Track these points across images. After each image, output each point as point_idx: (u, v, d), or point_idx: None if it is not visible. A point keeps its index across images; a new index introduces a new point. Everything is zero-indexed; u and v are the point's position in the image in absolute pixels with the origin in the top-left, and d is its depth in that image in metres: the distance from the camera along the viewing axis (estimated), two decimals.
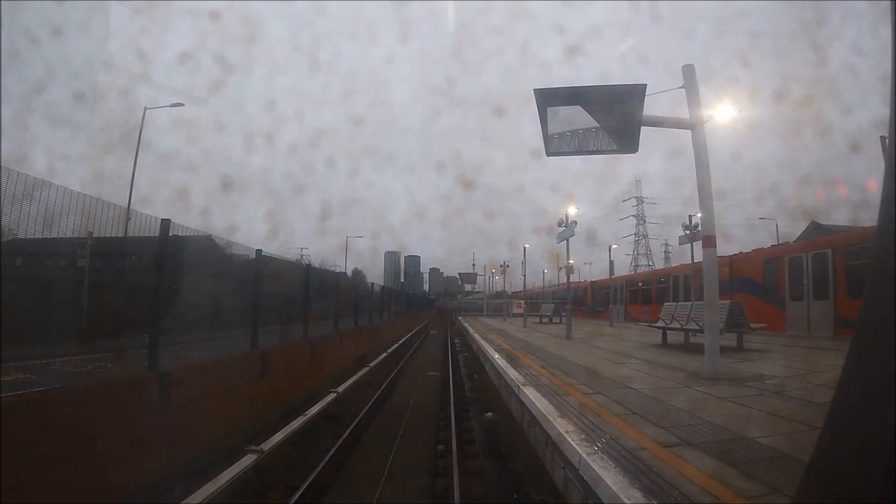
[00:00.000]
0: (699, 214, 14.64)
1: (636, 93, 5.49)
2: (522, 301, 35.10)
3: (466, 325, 24.78)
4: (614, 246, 29.87)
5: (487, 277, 43.54)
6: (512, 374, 6.55)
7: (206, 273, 7.06)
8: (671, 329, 10.08)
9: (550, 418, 4.03)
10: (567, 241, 11.81)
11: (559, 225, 12.12)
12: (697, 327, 9.01)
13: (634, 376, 6.26)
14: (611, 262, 21.20)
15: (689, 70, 6.77)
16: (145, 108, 17.80)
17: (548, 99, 5.50)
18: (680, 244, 14.37)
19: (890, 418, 0.90)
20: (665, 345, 10.26)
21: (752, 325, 9.03)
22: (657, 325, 10.65)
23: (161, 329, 5.51)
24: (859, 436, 1.02)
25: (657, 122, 6.46)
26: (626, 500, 2.48)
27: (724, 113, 6.44)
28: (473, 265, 41.01)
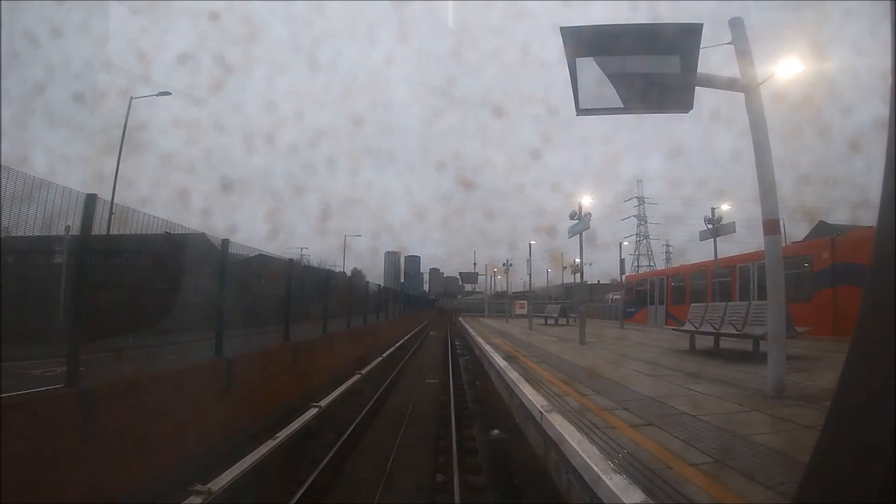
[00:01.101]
0: (723, 206, 13.51)
1: (691, 34, 4.33)
2: (525, 301, 33.99)
3: (467, 326, 23.55)
4: (625, 243, 28.30)
5: (489, 277, 42.39)
6: (526, 389, 5.37)
7: (152, 266, 5.91)
8: (701, 333, 8.92)
9: (594, 466, 2.86)
10: (581, 235, 10.64)
11: (571, 217, 10.93)
12: (736, 331, 7.84)
13: (680, 395, 5.08)
14: (621, 261, 20.00)
15: (737, 24, 5.63)
16: (131, 98, 17.30)
17: (578, 42, 4.33)
18: (701, 239, 13.19)
19: (890, 419, 0.91)
20: (693, 350, 9.11)
21: (797, 328, 7.85)
22: (684, 328, 9.48)
23: (92, 334, 4.39)
24: (859, 436, 1.02)
25: (705, 82, 5.29)
26: None
27: (787, 69, 5.25)
28: (475, 263, 39.73)
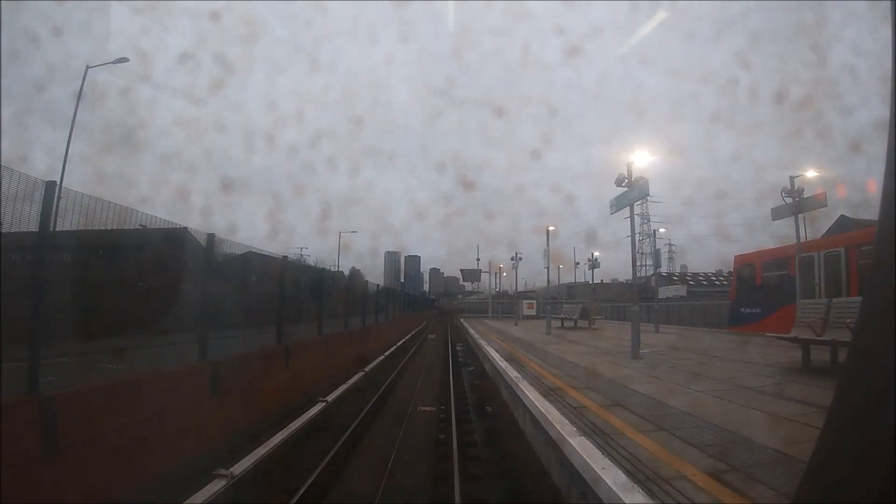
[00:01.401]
0: (807, 174, 10.56)
1: None
2: (534, 301, 31.06)
3: (471, 330, 20.57)
4: (659, 231, 25.25)
5: (492, 276, 39.37)
6: None
7: None
8: (821, 344, 6.00)
9: None
10: (632, 206, 7.67)
11: (618, 184, 7.95)
12: None
13: None
14: (656, 251, 17.07)
15: None
16: (87, 67, 15.78)
17: None
18: (774, 219, 10.28)
19: (890, 419, 0.89)
20: (809, 369, 6.22)
21: None
22: (789, 336, 6.55)
23: None
24: (860, 436, 1.00)
25: None
26: None
27: None
28: (478, 259, 36.52)
